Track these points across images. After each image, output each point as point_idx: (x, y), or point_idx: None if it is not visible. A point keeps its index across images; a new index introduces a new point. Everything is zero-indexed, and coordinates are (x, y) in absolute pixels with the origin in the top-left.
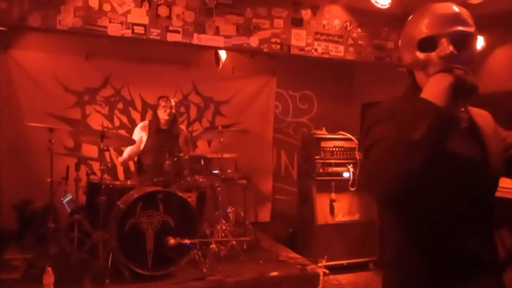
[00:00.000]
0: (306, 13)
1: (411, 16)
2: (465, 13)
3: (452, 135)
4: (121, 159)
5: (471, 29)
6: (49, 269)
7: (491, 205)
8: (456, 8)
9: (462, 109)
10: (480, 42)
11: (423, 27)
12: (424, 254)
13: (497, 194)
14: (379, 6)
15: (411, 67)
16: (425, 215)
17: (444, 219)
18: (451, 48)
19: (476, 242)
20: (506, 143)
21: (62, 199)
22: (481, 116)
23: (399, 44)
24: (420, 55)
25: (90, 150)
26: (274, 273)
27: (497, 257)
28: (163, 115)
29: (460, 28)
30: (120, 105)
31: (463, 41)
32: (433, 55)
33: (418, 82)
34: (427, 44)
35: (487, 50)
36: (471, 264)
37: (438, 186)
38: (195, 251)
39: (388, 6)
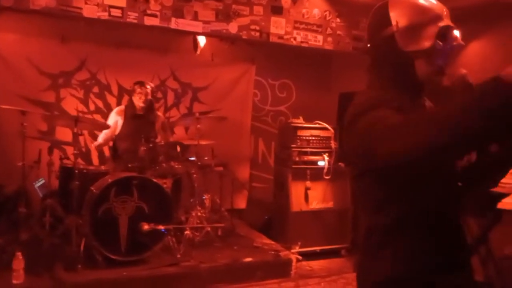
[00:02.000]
0: (286, 1)
1: (410, 2)
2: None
3: None
4: (95, 143)
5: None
6: (18, 254)
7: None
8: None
9: None
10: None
11: (438, 16)
12: (413, 242)
13: None
14: None
15: (416, 54)
16: (419, 203)
17: (436, 209)
18: (461, 41)
19: (463, 233)
20: None
21: (34, 183)
22: None
23: (396, 28)
24: (438, 44)
25: (64, 133)
26: (248, 259)
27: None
28: (138, 102)
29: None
30: (95, 89)
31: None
32: (449, 44)
33: (416, 70)
34: (441, 34)
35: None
36: (459, 255)
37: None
38: (169, 237)
39: None
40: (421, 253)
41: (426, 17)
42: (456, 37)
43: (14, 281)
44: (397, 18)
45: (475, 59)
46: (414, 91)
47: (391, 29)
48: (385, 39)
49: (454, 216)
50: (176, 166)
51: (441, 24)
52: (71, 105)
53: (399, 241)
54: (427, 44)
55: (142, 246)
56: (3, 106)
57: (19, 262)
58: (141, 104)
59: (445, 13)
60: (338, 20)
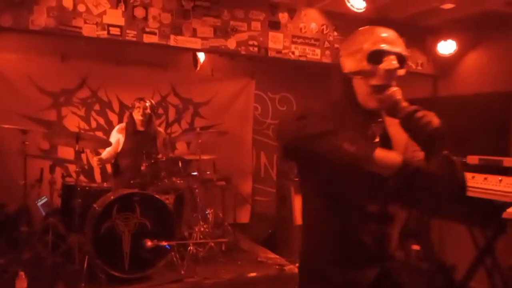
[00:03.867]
0: (283, 16)
1: (359, 31)
2: (401, 40)
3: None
4: (96, 158)
5: (407, 54)
6: (21, 273)
7: (393, 203)
8: (397, 36)
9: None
10: (452, 46)
11: (375, 42)
12: (335, 244)
13: None
14: (355, 10)
15: (353, 74)
16: (341, 207)
17: (355, 213)
18: (397, 64)
19: (378, 233)
20: None
21: (36, 201)
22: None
23: (340, 53)
24: (367, 65)
25: (66, 152)
26: (252, 274)
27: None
28: (137, 116)
29: (404, 52)
30: (97, 107)
31: (401, 62)
32: (379, 67)
33: (355, 88)
34: (372, 57)
35: (458, 54)
36: (375, 253)
37: (353, 185)
38: (172, 253)
39: (363, 10)
40: (327, 247)
41: (362, 43)
42: (388, 60)
43: None
44: (343, 45)
45: (473, 68)
46: (356, 109)
47: (339, 55)
48: (337, 64)
49: (380, 222)
50: (178, 182)
51: (374, 48)
52: (73, 123)
53: (312, 233)
54: (359, 66)
55: (146, 262)
56: (5, 126)
57: (22, 282)
58: (140, 118)
59: (388, 39)
60: (335, 33)
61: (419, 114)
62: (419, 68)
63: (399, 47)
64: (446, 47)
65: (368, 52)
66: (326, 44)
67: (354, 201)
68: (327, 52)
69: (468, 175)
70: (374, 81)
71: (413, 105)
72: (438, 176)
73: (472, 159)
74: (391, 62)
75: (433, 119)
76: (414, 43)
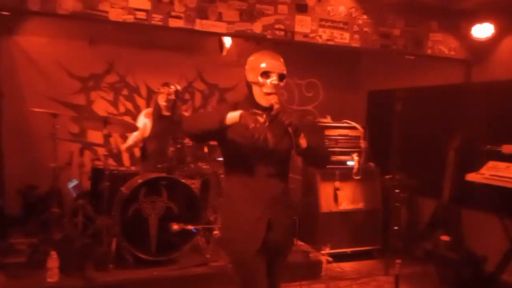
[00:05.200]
0: None
1: (258, 53)
2: (283, 63)
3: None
4: (124, 145)
5: (285, 72)
6: (53, 253)
7: (282, 164)
8: (281, 60)
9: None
10: (489, 30)
11: (265, 64)
12: (241, 189)
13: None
14: None
15: (252, 83)
16: (243, 165)
17: (253, 167)
18: (277, 81)
19: (270, 180)
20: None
21: (68, 183)
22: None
23: (246, 67)
24: (261, 79)
25: (95, 136)
26: None
27: (280, 189)
28: (161, 101)
29: (283, 72)
30: (125, 92)
31: (281, 78)
32: (267, 81)
33: (253, 92)
34: (263, 74)
35: (495, 38)
36: (269, 197)
37: (247, 149)
38: (198, 237)
39: None
40: (238, 191)
41: (258, 64)
42: (272, 78)
43: (49, 280)
44: (248, 62)
45: (510, 54)
46: (255, 105)
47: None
48: (244, 74)
49: (274, 176)
50: (204, 167)
51: (263, 70)
52: (102, 107)
53: (229, 182)
54: (256, 79)
55: (172, 246)
56: (35, 109)
57: (53, 261)
58: (164, 103)
59: (273, 64)
60: (364, 17)
61: (280, 114)
62: (452, 53)
63: (280, 69)
64: (482, 30)
65: (260, 71)
66: (355, 28)
67: (250, 162)
68: (356, 36)
69: (503, 165)
70: (265, 89)
71: (280, 107)
72: (307, 150)
73: (508, 148)
74: (273, 79)
75: (289, 118)
76: (447, 27)
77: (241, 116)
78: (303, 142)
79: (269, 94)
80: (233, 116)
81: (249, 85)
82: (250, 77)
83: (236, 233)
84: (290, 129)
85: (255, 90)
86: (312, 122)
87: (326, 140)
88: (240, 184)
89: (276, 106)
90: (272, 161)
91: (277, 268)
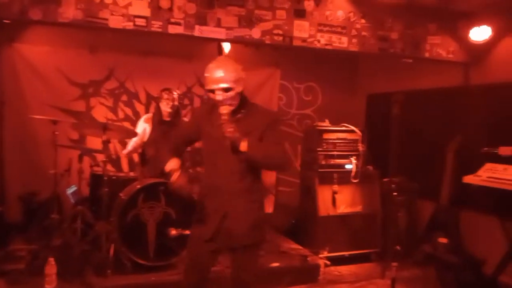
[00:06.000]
0: (309, 4)
1: (208, 67)
2: (226, 73)
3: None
4: (125, 151)
5: (230, 84)
6: (51, 259)
7: (243, 163)
8: (223, 72)
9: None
10: (486, 32)
11: (207, 82)
12: (206, 184)
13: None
14: None
15: (208, 91)
16: (209, 162)
17: (216, 164)
18: (221, 96)
19: (230, 176)
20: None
21: (66, 190)
22: (257, 115)
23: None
24: (210, 94)
25: (94, 142)
26: (275, 264)
27: (241, 186)
28: (165, 108)
29: (226, 85)
30: (124, 98)
31: (227, 90)
32: (215, 96)
33: (211, 98)
34: (209, 91)
35: (493, 40)
36: (226, 188)
37: (210, 147)
38: None
39: None
40: (203, 187)
41: (204, 79)
42: (217, 93)
43: (47, 286)
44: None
45: (508, 56)
46: (214, 110)
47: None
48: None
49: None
50: (202, 172)
51: (207, 88)
52: (101, 113)
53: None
54: (207, 88)
55: (170, 251)
56: (36, 116)
57: (51, 267)
58: (168, 110)
59: (215, 80)
60: (362, 21)
61: (224, 125)
62: (450, 55)
63: (221, 83)
64: (480, 33)
65: (206, 89)
66: (353, 32)
67: (213, 160)
68: (354, 40)
69: (500, 167)
70: (217, 97)
71: (226, 119)
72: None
73: (505, 151)
74: (218, 95)
75: (228, 129)
76: (445, 29)
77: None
78: (243, 147)
79: (220, 103)
80: None
81: (208, 93)
82: (205, 86)
83: (195, 223)
84: (227, 137)
85: (212, 97)
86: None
87: (324, 144)
88: (206, 179)
89: (223, 116)
90: (232, 160)
91: (242, 263)
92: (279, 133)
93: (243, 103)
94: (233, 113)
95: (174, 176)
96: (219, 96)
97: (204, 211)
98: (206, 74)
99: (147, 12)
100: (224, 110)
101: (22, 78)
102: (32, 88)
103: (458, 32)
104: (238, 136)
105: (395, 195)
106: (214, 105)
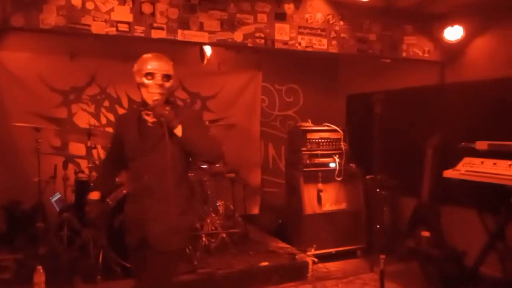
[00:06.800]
0: (289, 7)
1: (142, 57)
2: (168, 63)
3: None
4: None
5: (170, 73)
6: (39, 267)
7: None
8: (166, 60)
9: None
10: (459, 32)
11: (150, 65)
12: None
13: None
14: None
15: (139, 85)
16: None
17: (138, 166)
18: (161, 81)
19: (155, 178)
20: None
21: (50, 198)
22: (182, 110)
23: (133, 69)
24: (146, 80)
25: (77, 148)
26: (264, 263)
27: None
28: None
29: (168, 72)
30: (106, 103)
31: (167, 77)
32: (152, 82)
33: (142, 92)
34: (148, 74)
35: (466, 40)
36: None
37: (134, 148)
38: None
39: None
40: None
41: (142, 65)
42: (160, 79)
43: None
44: (135, 64)
45: (482, 54)
46: (145, 103)
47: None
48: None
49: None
50: (189, 175)
51: (146, 71)
52: (83, 120)
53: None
54: (140, 79)
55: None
56: (18, 124)
57: (40, 276)
58: None
59: (160, 65)
60: (341, 23)
61: (156, 108)
62: (426, 55)
63: (164, 69)
64: (453, 33)
65: (145, 73)
66: (333, 34)
67: (138, 170)
68: (334, 42)
69: (477, 161)
70: (150, 90)
71: (157, 101)
72: (184, 139)
73: (481, 145)
74: (158, 79)
75: (162, 109)
76: (421, 30)
77: None
78: (178, 132)
79: (154, 94)
80: None
81: (139, 87)
82: (137, 79)
83: (125, 230)
84: (163, 119)
85: (143, 91)
86: (198, 115)
87: (307, 144)
88: (130, 187)
89: (154, 100)
90: (160, 159)
91: (153, 266)
92: (206, 126)
93: (169, 100)
94: None
95: (91, 207)
96: (158, 81)
97: (128, 219)
98: (147, 56)
99: (129, 17)
100: (156, 96)
101: (2, 85)
102: (12, 95)
103: (433, 32)
104: (174, 116)
105: (378, 191)
106: (139, 109)
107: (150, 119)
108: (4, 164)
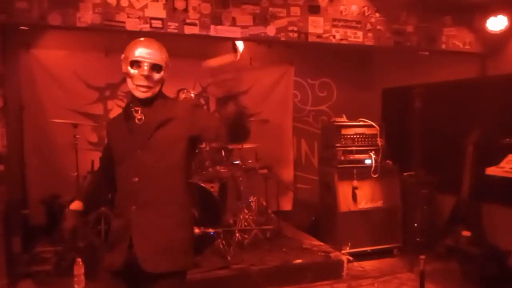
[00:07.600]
0: (323, 0)
1: (134, 40)
2: (160, 52)
3: (130, 126)
4: None
5: (162, 63)
6: (79, 260)
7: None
8: (156, 48)
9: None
10: (503, 22)
11: (137, 52)
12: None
13: None
14: None
15: (125, 75)
16: (121, 165)
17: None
18: (147, 72)
19: (149, 185)
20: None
21: None
22: (176, 103)
23: (121, 57)
24: (131, 69)
25: None
26: (298, 261)
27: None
28: None
29: (157, 62)
30: None
31: (156, 68)
32: (137, 72)
33: (128, 85)
34: (133, 62)
35: (510, 31)
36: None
37: (125, 150)
38: (219, 240)
39: None
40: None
41: (129, 52)
42: (146, 69)
43: (76, 286)
44: (124, 51)
45: None
46: (132, 95)
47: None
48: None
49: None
50: (222, 170)
51: (132, 58)
52: None
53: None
54: (125, 69)
55: (194, 249)
56: (56, 120)
57: (79, 268)
58: None
59: (148, 53)
60: (377, 15)
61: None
62: (467, 47)
63: (152, 58)
64: (496, 23)
65: (130, 60)
66: (368, 26)
67: (126, 173)
68: (369, 35)
69: None
70: (135, 82)
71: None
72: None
73: None
74: (144, 69)
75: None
76: (461, 21)
77: None
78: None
79: (140, 86)
80: None
81: (125, 77)
82: (123, 67)
83: (107, 249)
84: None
85: (128, 82)
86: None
87: (342, 140)
88: (118, 192)
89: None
90: (143, 163)
91: None
92: (207, 111)
93: (161, 93)
94: (151, 100)
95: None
96: (145, 72)
97: (111, 235)
98: (135, 41)
99: (162, 13)
100: (142, 89)
101: (40, 83)
102: (50, 92)
103: (474, 23)
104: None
105: (415, 189)
106: (128, 105)
107: (138, 115)
108: (43, 159)
